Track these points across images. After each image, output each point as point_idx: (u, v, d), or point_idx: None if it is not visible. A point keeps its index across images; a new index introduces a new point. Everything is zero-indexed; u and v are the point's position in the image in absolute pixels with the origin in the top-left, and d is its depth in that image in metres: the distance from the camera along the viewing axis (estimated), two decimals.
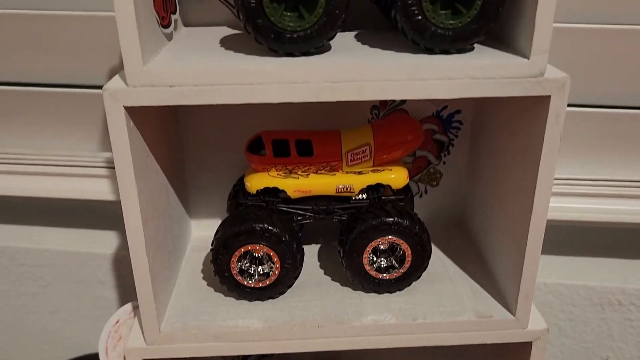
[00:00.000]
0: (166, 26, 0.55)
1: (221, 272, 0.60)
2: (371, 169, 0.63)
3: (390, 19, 0.51)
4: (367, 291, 0.63)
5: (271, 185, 0.62)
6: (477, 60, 0.49)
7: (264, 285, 0.60)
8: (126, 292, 0.93)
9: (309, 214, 0.64)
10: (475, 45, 0.53)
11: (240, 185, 0.69)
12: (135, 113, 0.50)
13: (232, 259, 0.59)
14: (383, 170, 0.62)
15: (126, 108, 0.48)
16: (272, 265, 0.60)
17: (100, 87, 0.69)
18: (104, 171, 0.85)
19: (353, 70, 0.49)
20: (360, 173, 0.62)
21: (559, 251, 0.89)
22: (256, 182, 0.62)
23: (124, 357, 0.59)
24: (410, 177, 0.74)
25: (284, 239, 0.59)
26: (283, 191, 0.62)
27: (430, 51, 0.51)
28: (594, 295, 0.86)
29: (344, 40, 0.56)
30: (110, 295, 0.94)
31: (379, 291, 0.63)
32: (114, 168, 0.56)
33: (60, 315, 0.96)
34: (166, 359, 0.59)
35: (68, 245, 0.91)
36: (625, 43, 0.73)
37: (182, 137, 0.71)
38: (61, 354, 0.99)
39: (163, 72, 0.48)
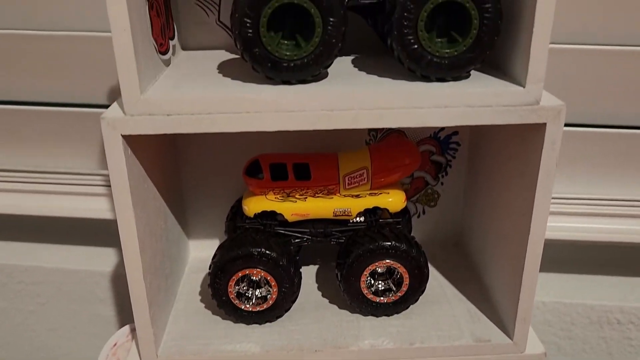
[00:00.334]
0: (164, 52, 0.55)
1: (219, 295, 0.60)
2: (368, 192, 0.63)
3: (387, 45, 0.51)
4: (365, 314, 0.63)
5: (269, 209, 0.62)
6: (473, 89, 0.49)
7: (261, 309, 0.60)
8: (124, 309, 0.93)
9: (306, 236, 0.64)
10: (472, 71, 0.53)
11: (238, 207, 0.69)
12: (133, 140, 0.50)
13: (230, 282, 0.59)
14: (380, 193, 0.63)
15: (124, 136, 0.49)
16: (269, 288, 0.60)
17: (98, 107, 0.69)
18: (102, 189, 0.85)
19: (349, 99, 0.49)
20: (357, 196, 0.62)
21: (557, 269, 0.89)
22: (254, 206, 0.62)
23: None
24: (408, 197, 0.74)
25: (281, 263, 0.59)
26: (280, 214, 0.63)
27: (426, 79, 0.51)
28: (593, 314, 0.86)
29: (340, 66, 0.57)
30: (108, 313, 0.94)
31: (376, 314, 0.63)
32: None
33: (58, 333, 0.96)
34: None
35: (66, 263, 0.91)
36: (621, 64, 0.73)
37: (180, 160, 0.71)
38: None
39: (160, 101, 0.48)
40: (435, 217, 0.76)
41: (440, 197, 0.75)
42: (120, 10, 0.45)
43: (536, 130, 0.51)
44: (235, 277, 0.59)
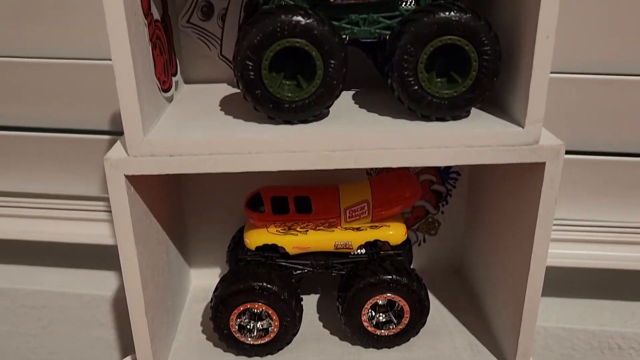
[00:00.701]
0: (167, 90, 0.56)
1: (220, 329, 0.60)
2: (369, 224, 0.63)
3: (387, 82, 0.52)
4: (366, 347, 0.63)
5: (270, 242, 0.62)
6: (472, 129, 0.50)
7: (262, 342, 0.61)
8: (125, 333, 0.93)
9: (307, 268, 0.64)
10: (471, 109, 0.54)
11: (239, 237, 0.69)
12: (136, 180, 0.51)
13: (231, 316, 0.60)
14: (381, 226, 0.63)
15: (127, 176, 0.49)
16: (271, 321, 0.60)
17: (101, 133, 0.69)
18: (104, 215, 0.85)
19: (350, 139, 0.49)
20: (358, 229, 0.63)
21: (558, 293, 0.89)
22: (255, 239, 0.63)
23: None
24: (409, 226, 0.74)
25: (282, 297, 0.59)
26: (282, 247, 0.63)
27: (426, 118, 0.52)
28: (594, 340, 0.86)
29: (341, 102, 0.57)
30: (109, 337, 0.94)
31: (377, 347, 0.63)
32: None
33: (60, 356, 0.96)
34: None
35: (68, 287, 0.92)
36: (622, 93, 0.73)
37: (183, 192, 0.72)
38: None
39: (163, 143, 0.49)
40: (436, 246, 0.76)
41: (441, 226, 0.75)
42: (124, 54, 0.45)
43: (535, 169, 0.52)
44: (236, 311, 0.59)
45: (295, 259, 0.64)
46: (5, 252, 0.93)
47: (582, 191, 0.80)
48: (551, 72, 0.48)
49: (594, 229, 0.80)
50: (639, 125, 0.76)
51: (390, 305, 0.62)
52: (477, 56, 0.48)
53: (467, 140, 0.50)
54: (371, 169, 0.71)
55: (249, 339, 0.61)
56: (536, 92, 0.48)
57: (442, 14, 0.47)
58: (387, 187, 0.62)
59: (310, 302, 0.71)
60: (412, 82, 0.49)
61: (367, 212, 0.62)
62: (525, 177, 0.54)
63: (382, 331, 0.62)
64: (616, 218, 0.81)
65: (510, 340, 0.60)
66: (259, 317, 0.61)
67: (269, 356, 0.62)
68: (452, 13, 0.47)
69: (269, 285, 0.58)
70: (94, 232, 0.85)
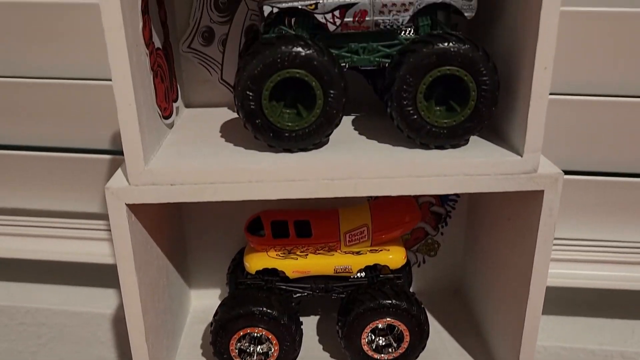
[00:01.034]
0: (168, 117, 0.56)
1: (220, 353, 0.61)
2: (369, 248, 0.63)
3: (386, 109, 0.52)
4: None
5: (270, 266, 0.63)
6: (471, 158, 0.50)
7: None
8: (125, 352, 0.93)
9: (307, 291, 0.64)
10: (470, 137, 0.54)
11: (239, 259, 0.69)
12: (137, 208, 0.51)
13: (232, 340, 0.60)
14: (381, 250, 0.63)
15: (128, 205, 0.49)
16: (271, 346, 0.60)
17: (101, 152, 0.70)
18: (104, 234, 0.86)
19: (349, 168, 0.50)
20: (358, 253, 0.63)
21: (558, 312, 0.89)
22: (255, 263, 0.63)
23: None
24: (409, 247, 0.74)
25: (282, 321, 0.59)
26: (282, 271, 0.63)
27: (425, 146, 0.52)
28: (594, 358, 0.86)
29: (341, 128, 0.57)
30: (109, 355, 0.94)
31: None
32: None
33: None
34: None
35: (68, 305, 0.92)
36: (620, 114, 0.74)
37: (183, 217, 0.72)
38: None
39: (164, 172, 0.49)
40: (435, 267, 0.76)
41: (440, 247, 0.75)
42: (125, 86, 0.46)
43: (534, 197, 0.52)
44: (236, 335, 0.60)
45: (295, 283, 0.64)
46: (4, 269, 0.93)
47: (582, 211, 0.80)
48: (553, 94, 0.48)
49: (593, 249, 0.81)
50: (638, 145, 0.76)
51: (390, 329, 0.62)
52: (476, 86, 0.49)
53: (465, 169, 0.50)
54: None
55: None
56: (534, 122, 0.49)
57: (440, 45, 0.48)
58: (386, 211, 0.62)
59: (310, 324, 0.71)
60: (411, 112, 0.50)
61: (366, 236, 0.62)
62: (524, 203, 0.55)
63: (382, 355, 0.62)
64: (615, 237, 0.81)
65: None
66: (259, 341, 0.61)
67: None
68: (450, 44, 0.48)
69: (268, 310, 0.59)
70: (94, 251, 0.85)
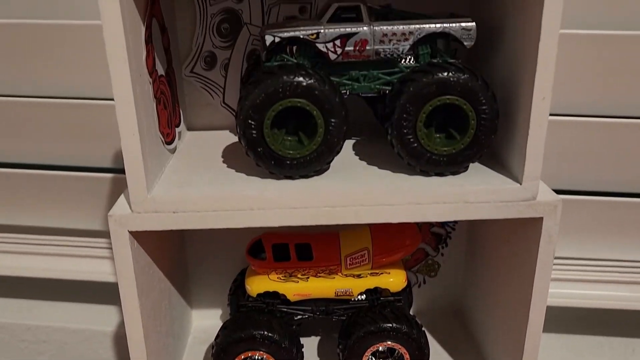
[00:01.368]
0: (170, 142, 0.57)
1: None
2: (370, 271, 0.64)
3: (387, 136, 0.53)
4: None
5: (271, 290, 0.63)
6: (470, 186, 0.51)
7: None
8: None
9: (308, 314, 0.65)
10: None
11: (240, 280, 0.70)
12: (140, 235, 0.51)
13: None
14: (382, 273, 0.64)
15: (131, 232, 0.50)
16: None
17: (103, 171, 0.70)
18: (105, 252, 0.86)
19: (350, 196, 0.50)
20: (359, 276, 0.63)
21: (558, 329, 0.90)
22: (256, 286, 0.63)
23: None
24: (409, 267, 0.75)
25: (283, 345, 0.59)
26: (283, 294, 0.63)
27: (425, 173, 0.52)
28: None
29: (342, 153, 0.57)
30: None
31: None
32: None
33: None
34: None
35: (69, 322, 0.92)
36: (621, 134, 0.75)
37: (185, 240, 0.72)
38: None
39: (167, 199, 0.49)
40: (435, 287, 0.76)
41: (441, 268, 0.75)
42: (129, 114, 0.46)
43: (533, 224, 0.52)
44: (237, 359, 0.60)
45: (296, 305, 0.64)
46: (5, 286, 0.93)
47: (580, 231, 0.80)
48: (552, 115, 0.48)
49: (592, 268, 0.81)
50: (636, 165, 0.76)
51: (390, 352, 0.62)
52: (475, 115, 0.49)
53: (465, 196, 0.50)
54: None
55: None
56: (533, 150, 0.49)
57: (440, 75, 0.49)
58: (387, 235, 0.63)
59: (310, 346, 0.71)
60: (412, 140, 0.50)
61: (367, 260, 0.63)
62: (523, 230, 0.55)
63: None
64: (614, 257, 0.82)
65: None
66: None
67: None
68: (450, 73, 0.48)
69: (269, 334, 0.59)
70: (95, 269, 0.86)
